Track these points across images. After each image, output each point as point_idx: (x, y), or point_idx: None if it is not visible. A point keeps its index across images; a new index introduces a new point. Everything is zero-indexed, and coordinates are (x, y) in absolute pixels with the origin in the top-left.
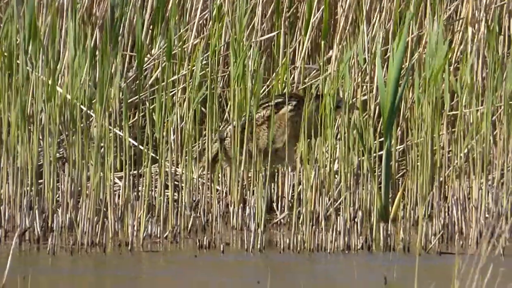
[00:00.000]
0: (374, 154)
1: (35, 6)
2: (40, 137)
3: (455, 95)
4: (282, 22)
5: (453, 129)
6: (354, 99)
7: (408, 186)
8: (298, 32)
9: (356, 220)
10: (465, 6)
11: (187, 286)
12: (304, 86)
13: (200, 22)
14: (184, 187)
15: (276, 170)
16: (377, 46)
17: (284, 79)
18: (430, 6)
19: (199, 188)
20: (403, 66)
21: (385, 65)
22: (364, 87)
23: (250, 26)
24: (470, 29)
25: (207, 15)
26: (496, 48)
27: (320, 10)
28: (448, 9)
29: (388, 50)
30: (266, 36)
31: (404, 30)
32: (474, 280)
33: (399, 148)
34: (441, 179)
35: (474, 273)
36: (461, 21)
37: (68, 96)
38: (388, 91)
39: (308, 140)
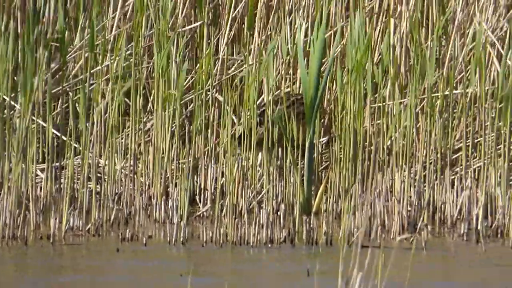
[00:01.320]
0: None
1: None
2: None
3: (378, 87)
4: (205, 13)
5: (376, 122)
6: (279, 91)
7: (331, 179)
8: (223, 23)
9: (279, 213)
10: None
11: (108, 279)
12: (227, 77)
13: (124, 11)
14: (107, 179)
15: (199, 163)
16: (298, 36)
17: (208, 70)
18: None
19: (121, 180)
20: (327, 58)
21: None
22: (288, 78)
23: (173, 17)
24: (392, 21)
25: (131, 5)
26: (419, 40)
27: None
28: (370, 1)
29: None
30: (189, 27)
31: (323, 21)
32: (398, 272)
33: (322, 141)
34: (364, 172)
35: (397, 266)
36: (385, 12)
37: None
38: (310, 83)
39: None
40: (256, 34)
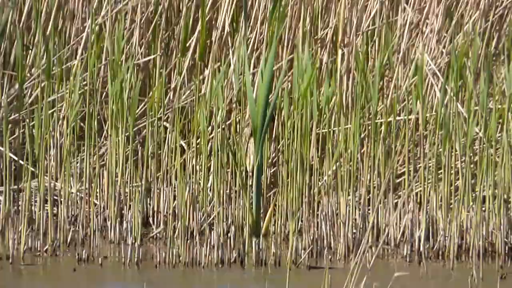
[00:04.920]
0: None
1: None
2: None
3: (324, 114)
4: (159, 44)
5: (322, 147)
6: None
7: (279, 202)
8: (175, 53)
9: (229, 235)
10: (335, 28)
11: None
12: (179, 106)
13: (81, 41)
14: (63, 202)
15: (151, 186)
16: (246, 67)
17: (160, 98)
18: (301, 31)
19: (77, 202)
20: (275, 85)
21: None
22: (238, 107)
23: (128, 47)
24: (340, 51)
25: (86, 35)
26: (364, 69)
27: (197, 31)
28: (320, 31)
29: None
30: (143, 60)
31: (272, 51)
32: None
33: (270, 165)
34: (310, 195)
35: (341, 287)
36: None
37: None
38: (258, 111)
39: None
40: (209, 63)
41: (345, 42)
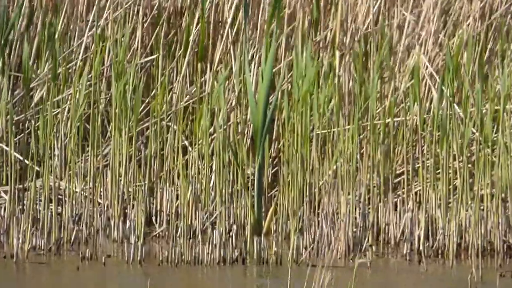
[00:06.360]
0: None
1: None
2: None
3: (324, 115)
4: (161, 45)
5: (322, 147)
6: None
7: (280, 201)
8: (178, 54)
9: (231, 233)
10: (333, 31)
11: None
12: (181, 106)
13: (85, 43)
14: (67, 201)
15: (154, 185)
16: (247, 68)
17: (163, 98)
18: (300, 32)
19: (81, 201)
20: (276, 87)
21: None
22: (239, 108)
23: (132, 48)
24: (338, 53)
25: (90, 38)
26: (361, 72)
27: (196, 30)
28: (318, 34)
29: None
30: (145, 60)
31: (271, 51)
32: None
33: (271, 165)
34: (311, 194)
35: (342, 285)
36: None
37: None
38: (259, 111)
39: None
40: (213, 65)
41: (343, 44)
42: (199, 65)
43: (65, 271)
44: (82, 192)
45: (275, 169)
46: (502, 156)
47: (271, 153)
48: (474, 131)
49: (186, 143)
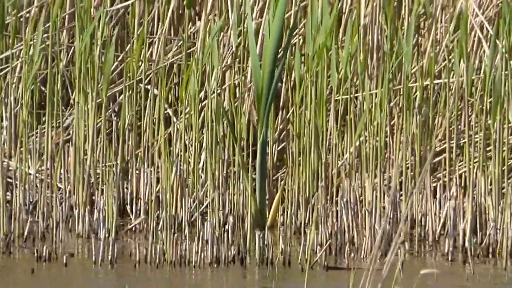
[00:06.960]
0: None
1: None
2: None
3: (345, 76)
4: None
5: (342, 118)
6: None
7: (289, 186)
8: None
9: (226, 227)
10: None
11: None
12: (164, 64)
13: None
14: (18, 185)
15: (129, 166)
16: (249, 17)
17: (141, 54)
18: None
19: (36, 186)
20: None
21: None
22: (237, 68)
23: None
24: None
25: None
26: (392, 20)
27: None
28: None
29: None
30: (118, 6)
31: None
32: None
33: (277, 140)
34: (328, 178)
35: None
36: None
37: None
38: (264, 73)
39: None
40: (204, 12)
41: None
42: (186, 12)
43: (16, 275)
44: (38, 175)
45: (282, 145)
46: None
47: (277, 125)
48: None
49: (170, 112)
